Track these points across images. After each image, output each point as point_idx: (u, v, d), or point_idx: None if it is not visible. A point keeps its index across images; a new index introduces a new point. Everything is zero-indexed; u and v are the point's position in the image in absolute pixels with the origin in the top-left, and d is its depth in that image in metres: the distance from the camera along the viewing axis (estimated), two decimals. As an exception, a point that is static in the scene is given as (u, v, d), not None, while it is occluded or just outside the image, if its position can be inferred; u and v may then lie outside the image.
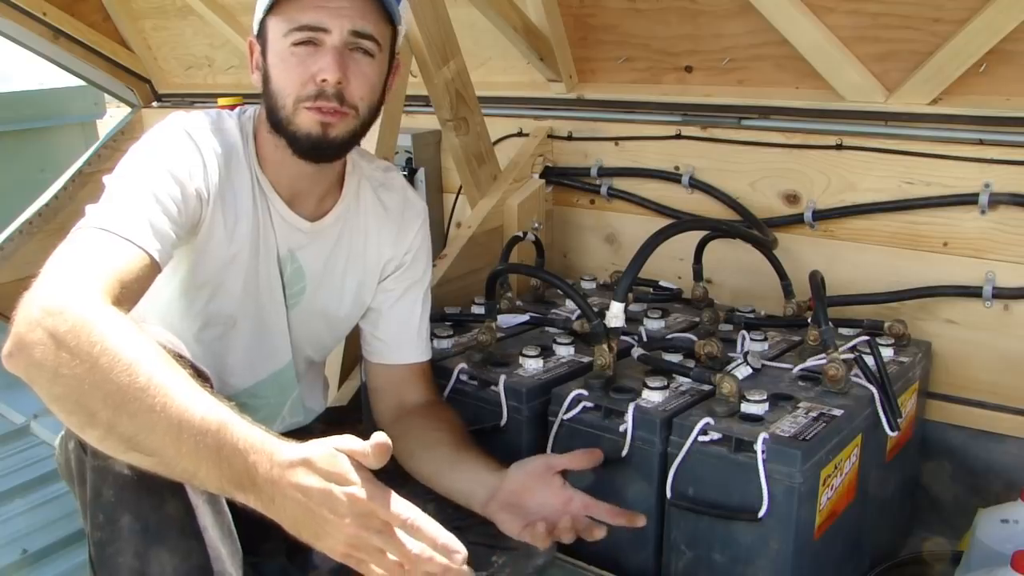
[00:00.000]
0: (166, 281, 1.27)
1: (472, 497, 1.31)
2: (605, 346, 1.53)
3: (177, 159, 1.20)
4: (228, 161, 1.27)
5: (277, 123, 1.26)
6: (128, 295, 1.03)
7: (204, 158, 1.23)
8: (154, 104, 3.58)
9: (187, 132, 1.23)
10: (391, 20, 1.27)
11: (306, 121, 1.23)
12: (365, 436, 1.70)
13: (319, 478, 0.91)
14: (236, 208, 1.28)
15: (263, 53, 1.27)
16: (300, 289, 1.41)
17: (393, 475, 1.36)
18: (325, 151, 1.28)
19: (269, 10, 1.23)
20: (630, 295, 1.66)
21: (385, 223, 1.46)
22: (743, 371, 1.55)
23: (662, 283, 2.12)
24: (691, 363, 1.59)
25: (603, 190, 2.36)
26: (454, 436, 1.40)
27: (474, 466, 1.33)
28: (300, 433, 1.51)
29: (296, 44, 1.21)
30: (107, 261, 1.03)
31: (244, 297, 1.34)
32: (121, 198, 1.13)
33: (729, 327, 1.85)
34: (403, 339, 1.50)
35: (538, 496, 1.28)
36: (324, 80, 1.20)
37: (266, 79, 1.26)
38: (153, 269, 1.09)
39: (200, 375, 1.00)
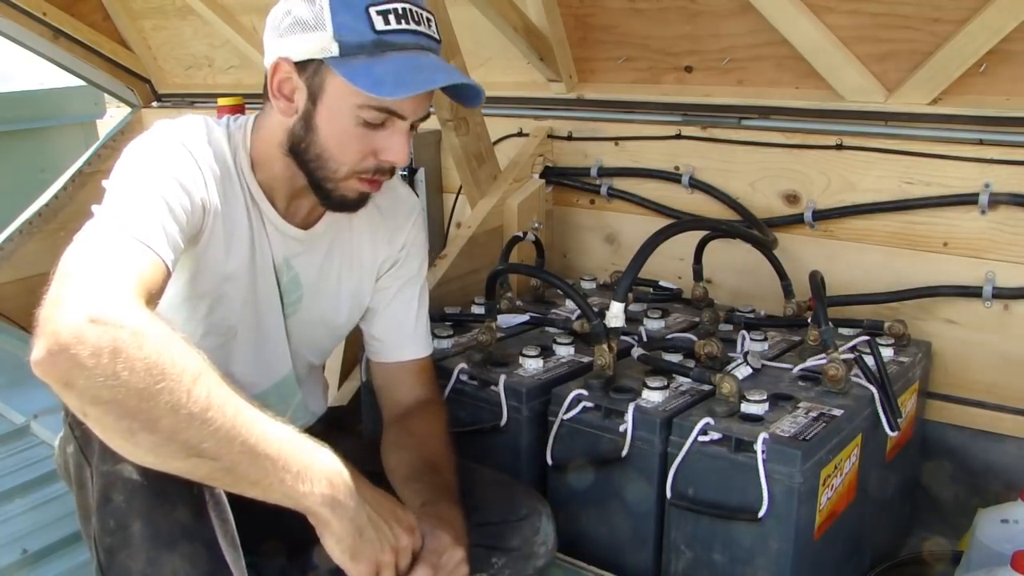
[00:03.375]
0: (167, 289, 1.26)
1: None
2: (605, 346, 1.53)
3: (181, 168, 1.17)
4: (222, 173, 1.25)
5: (313, 172, 1.25)
6: (153, 302, 1.03)
7: (202, 170, 1.20)
8: (154, 104, 3.58)
9: (183, 144, 1.20)
10: None
11: (353, 188, 1.25)
12: (365, 436, 1.70)
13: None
14: (233, 221, 1.27)
15: (312, 100, 1.21)
16: (297, 297, 1.40)
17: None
18: (351, 209, 1.31)
19: (330, 62, 1.17)
20: (630, 295, 1.66)
21: (379, 223, 1.45)
22: (743, 371, 1.55)
23: (662, 283, 2.12)
24: (691, 363, 1.59)
25: (603, 190, 2.36)
26: (421, 453, 1.37)
27: (420, 493, 1.28)
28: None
29: (368, 121, 1.19)
30: (134, 267, 1.01)
31: (244, 309, 1.33)
32: (135, 202, 1.10)
33: (729, 327, 1.85)
34: (401, 336, 1.50)
35: None
36: (392, 163, 1.23)
37: (311, 128, 1.22)
38: (167, 277, 1.08)
39: None
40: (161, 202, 1.11)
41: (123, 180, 1.14)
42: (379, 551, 1.04)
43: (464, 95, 1.27)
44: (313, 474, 0.99)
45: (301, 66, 1.20)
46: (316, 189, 1.27)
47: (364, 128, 1.20)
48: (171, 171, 1.16)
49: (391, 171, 1.26)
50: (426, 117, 1.25)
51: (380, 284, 1.49)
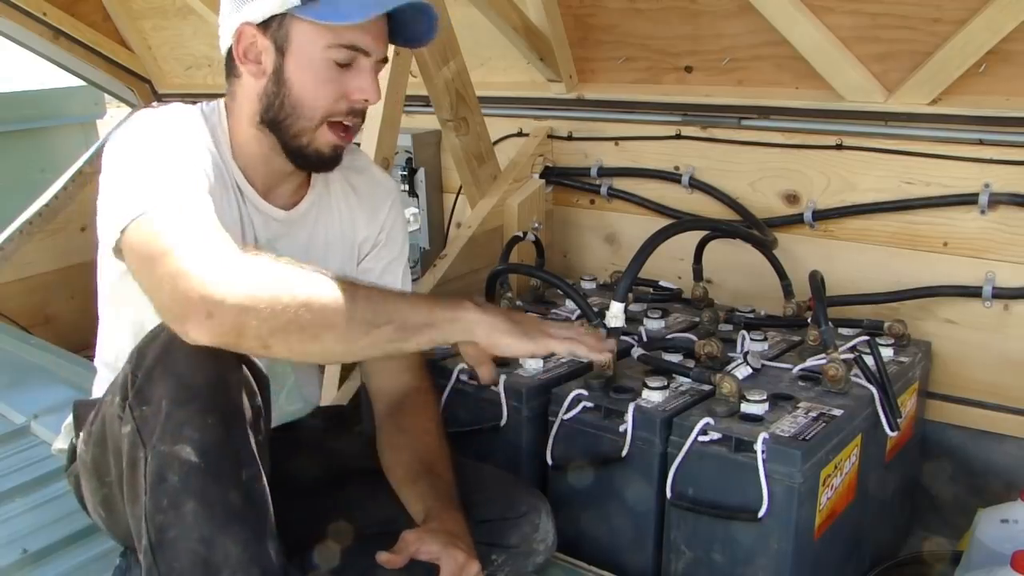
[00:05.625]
0: None
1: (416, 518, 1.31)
2: (605, 346, 1.53)
3: (185, 143, 1.20)
4: (208, 155, 1.25)
5: (287, 129, 1.26)
6: None
7: (195, 148, 1.22)
8: (154, 104, 3.57)
9: (173, 125, 1.22)
10: None
11: (325, 139, 1.27)
12: (365, 436, 1.70)
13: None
14: (222, 199, 1.27)
15: (280, 52, 1.24)
16: None
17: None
18: (327, 166, 1.32)
19: (294, 10, 1.20)
20: (630, 295, 1.66)
21: (356, 204, 1.46)
22: (743, 371, 1.55)
23: (662, 283, 2.12)
24: (691, 363, 1.59)
25: (603, 190, 2.36)
26: (417, 451, 1.37)
27: (422, 498, 1.30)
28: (296, 427, 1.50)
29: (338, 61, 1.23)
30: (214, 223, 1.09)
31: None
32: (168, 174, 1.13)
33: (729, 327, 1.85)
34: None
35: None
36: (366, 100, 1.26)
37: (282, 82, 1.25)
38: None
39: None
40: (190, 168, 1.16)
41: (132, 162, 1.15)
42: (543, 329, 1.18)
43: (422, 29, 1.28)
44: (458, 300, 1.14)
45: (264, 26, 1.24)
46: (291, 150, 1.28)
47: (334, 70, 1.24)
48: (180, 144, 1.19)
49: (362, 115, 1.30)
50: (386, 61, 1.29)
51: (364, 266, 1.49)
